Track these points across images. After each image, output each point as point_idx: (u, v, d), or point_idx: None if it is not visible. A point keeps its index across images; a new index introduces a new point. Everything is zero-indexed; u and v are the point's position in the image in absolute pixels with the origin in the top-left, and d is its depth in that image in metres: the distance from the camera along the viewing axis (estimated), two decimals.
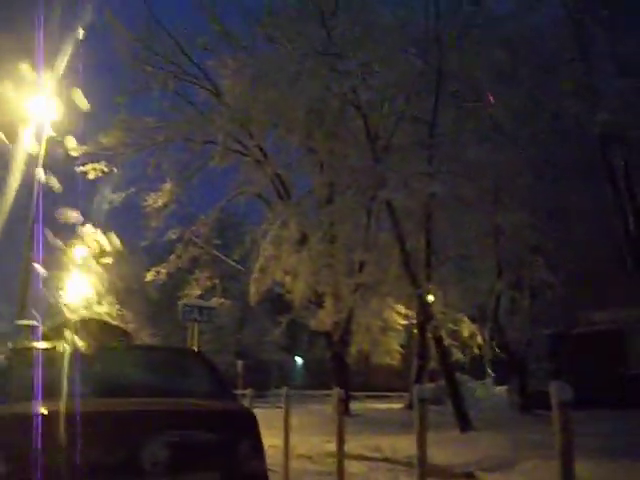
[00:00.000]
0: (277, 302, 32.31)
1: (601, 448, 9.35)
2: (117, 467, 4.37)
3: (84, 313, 32.64)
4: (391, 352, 28.45)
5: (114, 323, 23.46)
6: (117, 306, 40.48)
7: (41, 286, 14.97)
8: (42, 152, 13.66)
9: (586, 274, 21.50)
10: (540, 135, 16.03)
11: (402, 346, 30.11)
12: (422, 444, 6.17)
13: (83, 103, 11.08)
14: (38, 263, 12.31)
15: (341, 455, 7.86)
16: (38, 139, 13.78)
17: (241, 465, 4.76)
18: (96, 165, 19.37)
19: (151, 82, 20.84)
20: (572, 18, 14.90)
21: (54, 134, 14.21)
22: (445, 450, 11.13)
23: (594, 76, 14.47)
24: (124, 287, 40.14)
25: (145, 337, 40.44)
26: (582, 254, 21.08)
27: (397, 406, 29.29)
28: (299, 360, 55.86)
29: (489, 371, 31.98)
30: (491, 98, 16.20)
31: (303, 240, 19.36)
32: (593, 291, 21.06)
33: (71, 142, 14.13)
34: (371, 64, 16.79)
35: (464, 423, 15.05)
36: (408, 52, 16.61)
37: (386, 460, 11.90)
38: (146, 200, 20.84)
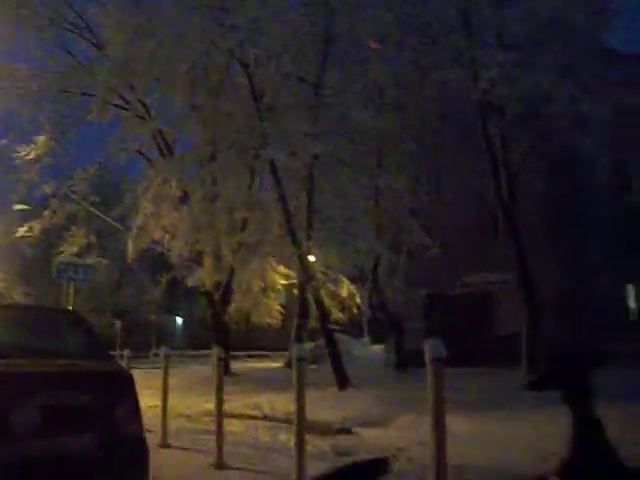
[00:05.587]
0: (157, 261, 31.78)
1: (470, 403, 9.85)
2: None
3: None
4: (272, 312, 28.73)
5: None
6: None
7: None
8: None
9: (461, 239, 22.40)
10: (423, 102, 16.36)
11: (282, 306, 30.47)
12: (300, 402, 6.28)
13: None
14: None
15: (220, 413, 7.87)
16: None
17: (118, 427, 4.67)
18: None
19: (25, 27, 19.57)
20: None
21: None
22: (324, 407, 11.41)
23: (475, 48, 14.81)
24: None
25: (17, 296, 38.78)
26: (458, 219, 21.93)
27: (277, 365, 29.66)
28: (179, 320, 55.34)
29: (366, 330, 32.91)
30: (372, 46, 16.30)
31: (184, 198, 19.02)
32: (467, 255, 21.97)
33: None
34: (259, 21, 16.54)
35: (342, 381, 15.43)
36: (297, 11, 16.44)
37: (265, 418, 12.07)
38: (18, 152, 19.69)
